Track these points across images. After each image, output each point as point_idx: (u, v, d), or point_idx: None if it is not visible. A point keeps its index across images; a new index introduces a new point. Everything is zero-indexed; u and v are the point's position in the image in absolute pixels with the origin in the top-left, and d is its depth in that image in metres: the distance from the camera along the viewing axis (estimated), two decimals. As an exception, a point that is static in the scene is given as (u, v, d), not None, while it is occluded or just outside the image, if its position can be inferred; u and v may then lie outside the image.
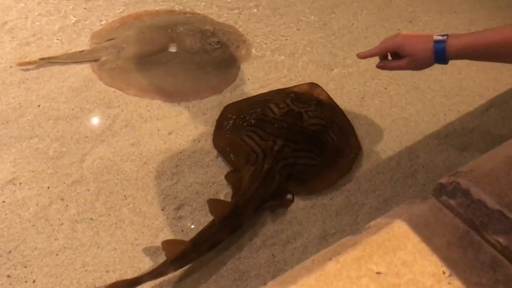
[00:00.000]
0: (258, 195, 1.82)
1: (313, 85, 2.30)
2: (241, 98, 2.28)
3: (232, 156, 2.02)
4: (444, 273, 1.10)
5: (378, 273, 1.09)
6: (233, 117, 2.15)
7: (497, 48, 1.32)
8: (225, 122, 2.15)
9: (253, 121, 2.08)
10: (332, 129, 2.09)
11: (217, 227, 1.67)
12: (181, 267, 1.62)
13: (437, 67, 1.68)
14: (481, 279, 1.09)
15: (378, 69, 1.77)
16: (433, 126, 2.33)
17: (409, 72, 1.79)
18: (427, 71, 1.78)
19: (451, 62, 1.56)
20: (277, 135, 1.98)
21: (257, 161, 1.92)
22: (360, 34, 2.80)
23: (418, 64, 1.60)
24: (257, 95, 2.32)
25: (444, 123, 2.35)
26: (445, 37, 1.48)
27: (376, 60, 1.78)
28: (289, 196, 1.93)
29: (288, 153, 1.95)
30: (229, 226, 1.71)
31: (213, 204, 1.76)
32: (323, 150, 2.02)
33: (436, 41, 1.49)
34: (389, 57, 1.72)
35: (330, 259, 1.12)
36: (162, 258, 1.70)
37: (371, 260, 1.12)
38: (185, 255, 1.60)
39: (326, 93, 2.27)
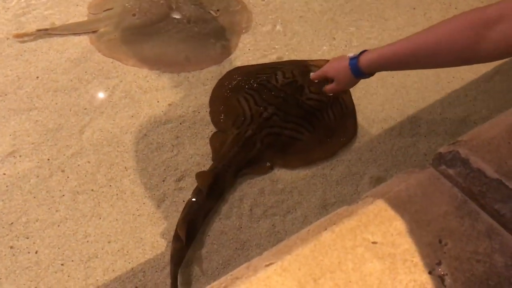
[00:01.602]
0: (237, 161, 1.85)
1: None
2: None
3: (222, 115, 2.03)
4: (440, 242, 1.10)
5: (373, 242, 1.09)
6: (238, 78, 2.15)
7: (407, 58, 1.33)
8: (227, 82, 2.15)
9: (255, 85, 2.06)
10: (332, 108, 2.06)
11: (202, 199, 1.72)
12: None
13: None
14: (477, 248, 1.09)
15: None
16: (436, 95, 2.29)
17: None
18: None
19: None
20: (270, 103, 1.97)
21: (242, 125, 1.93)
22: (363, 0, 2.73)
23: (344, 83, 1.67)
24: (271, 62, 2.31)
25: (448, 91, 2.31)
26: (358, 53, 1.53)
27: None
28: (268, 164, 1.93)
29: (276, 122, 1.94)
30: (214, 194, 1.77)
31: (200, 177, 1.78)
32: (315, 127, 1.99)
33: (350, 58, 1.56)
34: None
35: (326, 229, 1.11)
36: (163, 228, 1.72)
37: (367, 230, 1.11)
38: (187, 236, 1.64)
39: None
